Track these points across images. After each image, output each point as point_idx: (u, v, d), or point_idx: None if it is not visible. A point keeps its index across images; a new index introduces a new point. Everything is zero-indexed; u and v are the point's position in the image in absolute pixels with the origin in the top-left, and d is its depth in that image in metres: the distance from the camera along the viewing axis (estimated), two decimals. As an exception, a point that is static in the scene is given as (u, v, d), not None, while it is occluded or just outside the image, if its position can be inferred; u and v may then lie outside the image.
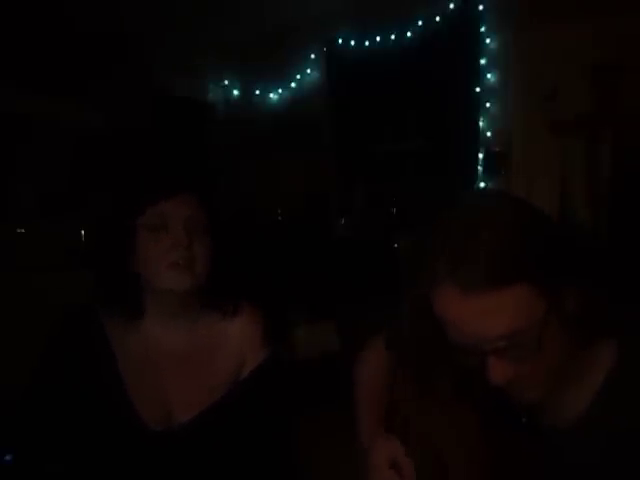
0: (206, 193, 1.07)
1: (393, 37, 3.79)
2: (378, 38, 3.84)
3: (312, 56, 4.18)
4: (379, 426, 0.99)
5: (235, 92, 4.52)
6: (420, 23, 3.69)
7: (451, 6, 3.58)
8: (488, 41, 3.47)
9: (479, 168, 3.47)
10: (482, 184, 3.44)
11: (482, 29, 3.47)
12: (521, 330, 0.66)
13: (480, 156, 3.50)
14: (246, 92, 4.49)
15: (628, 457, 0.74)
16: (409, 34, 3.73)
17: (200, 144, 4.02)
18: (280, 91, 4.38)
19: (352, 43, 3.95)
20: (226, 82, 4.51)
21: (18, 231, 3.25)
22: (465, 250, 0.67)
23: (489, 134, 3.50)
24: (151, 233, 1.01)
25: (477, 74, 3.48)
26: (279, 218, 4.09)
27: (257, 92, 4.45)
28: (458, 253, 0.68)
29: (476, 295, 0.65)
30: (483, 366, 0.69)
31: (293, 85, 4.30)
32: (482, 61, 3.48)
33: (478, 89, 3.49)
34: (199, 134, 4.10)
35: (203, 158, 3.79)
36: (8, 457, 1.08)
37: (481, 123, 3.51)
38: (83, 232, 3.25)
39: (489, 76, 3.48)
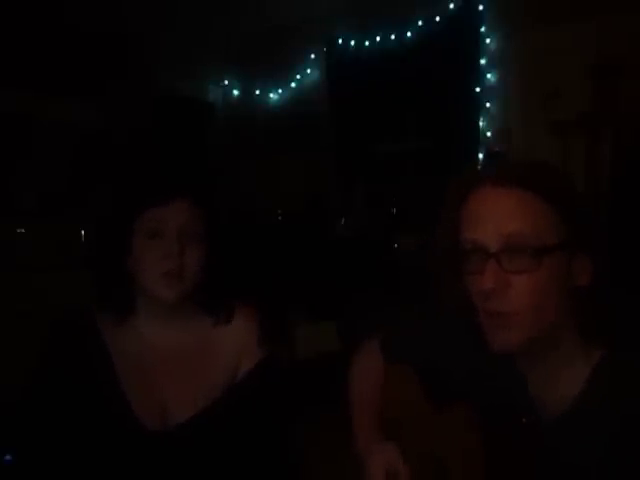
0: (205, 201, 1.07)
1: (393, 37, 3.79)
2: (378, 38, 3.84)
3: (312, 56, 4.18)
4: (375, 430, 0.99)
5: (235, 92, 4.53)
6: (420, 23, 3.70)
7: (451, 6, 3.58)
8: (488, 41, 3.47)
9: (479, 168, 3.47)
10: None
11: (482, 29, 3.47)
12: (527, 234, 0.75)
13: (480, 156, 3.51)
14: (246, 92, 4.49)
15: (620, 451, 0.75)
16: (409, 34, 3.73)
17: (200, 145, 4.02)
18: (280, 91, 4.38)
19: (352, 43, 3.95)
20: (226, 82, 4.52)
21: (18, 231, 3.25)
22: (505, 164, 0.93)
23: (489, 134, 3.51)
24: (146, 239, 1.01)
25: (477, 74, 3.48)
26: (279, 218, 4.09)
27: (257, 92, 4.45)
28: (499, 165, 0.90)
29: (506, 191, 0.78)
30: (482, 273, 0.77)
31: (293, 85, 4.30)
32: (482, 61, 3.48)
33: (478, 89, 3.49)
34: (199, 135, 4.10)
35: (203, 161, 3.78)
36: (8, 457, 1.08)
37: (481, 123, 3.51)
38: (83, 232, 3.25)
39: (489, 76, 3.48)
